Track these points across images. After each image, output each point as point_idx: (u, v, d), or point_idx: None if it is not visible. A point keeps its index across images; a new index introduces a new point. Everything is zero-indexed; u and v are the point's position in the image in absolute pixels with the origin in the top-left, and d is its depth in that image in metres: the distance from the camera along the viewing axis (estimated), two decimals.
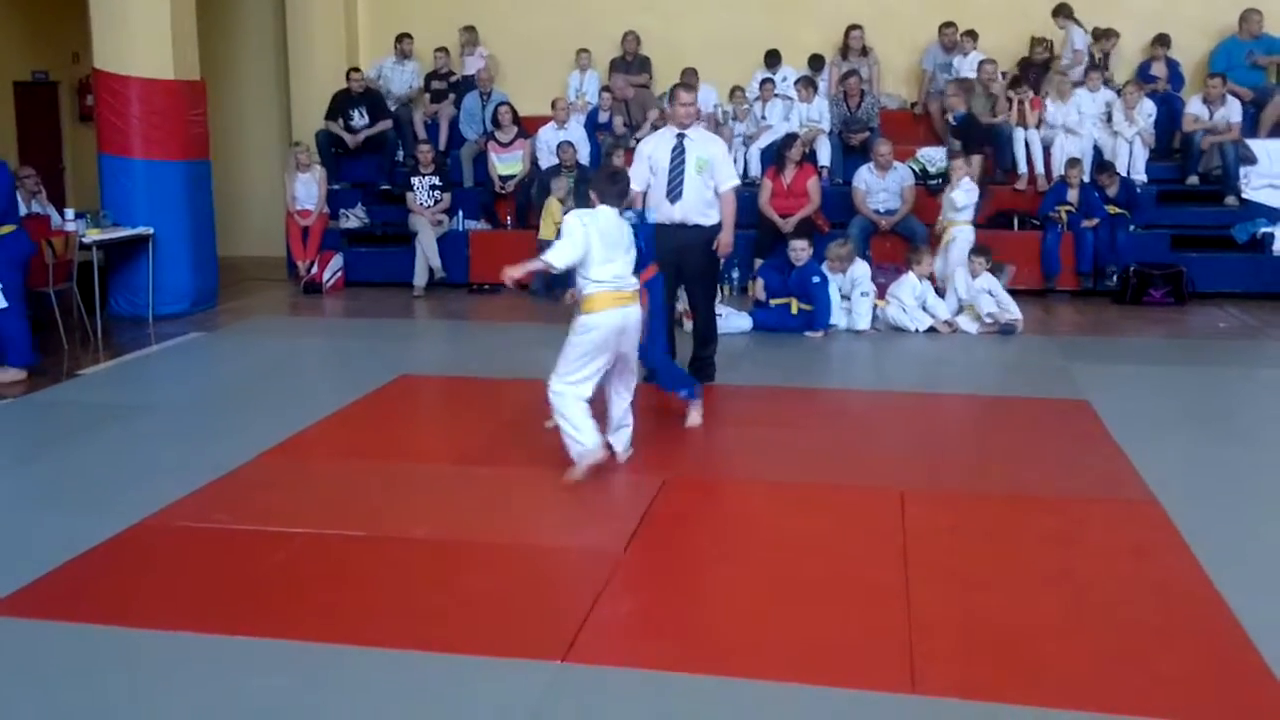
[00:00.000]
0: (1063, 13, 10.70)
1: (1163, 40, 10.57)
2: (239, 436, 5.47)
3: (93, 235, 8.28)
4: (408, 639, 3.37)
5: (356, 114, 11.15)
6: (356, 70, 11.33)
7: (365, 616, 3.54)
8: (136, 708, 3.04)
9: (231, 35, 12.33)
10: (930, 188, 9.90)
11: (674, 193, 6.20)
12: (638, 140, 10.40)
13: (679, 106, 6.21)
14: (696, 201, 6.22)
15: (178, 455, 5.26)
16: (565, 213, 9.27)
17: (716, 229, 6.28)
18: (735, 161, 10.65)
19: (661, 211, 6.24)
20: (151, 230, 8.79)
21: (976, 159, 9.76)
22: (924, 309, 8.16)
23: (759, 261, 9.02)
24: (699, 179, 6.20)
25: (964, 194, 8.85)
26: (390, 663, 3.23)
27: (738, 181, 6.47)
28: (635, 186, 6.03)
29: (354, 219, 10.86)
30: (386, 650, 3.30)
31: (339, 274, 10.51)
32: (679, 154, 6.21)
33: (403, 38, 11.71)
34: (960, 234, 8.75)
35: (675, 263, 6.10)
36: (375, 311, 9.33)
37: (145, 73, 8.78)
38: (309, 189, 10.51)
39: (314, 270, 10.32)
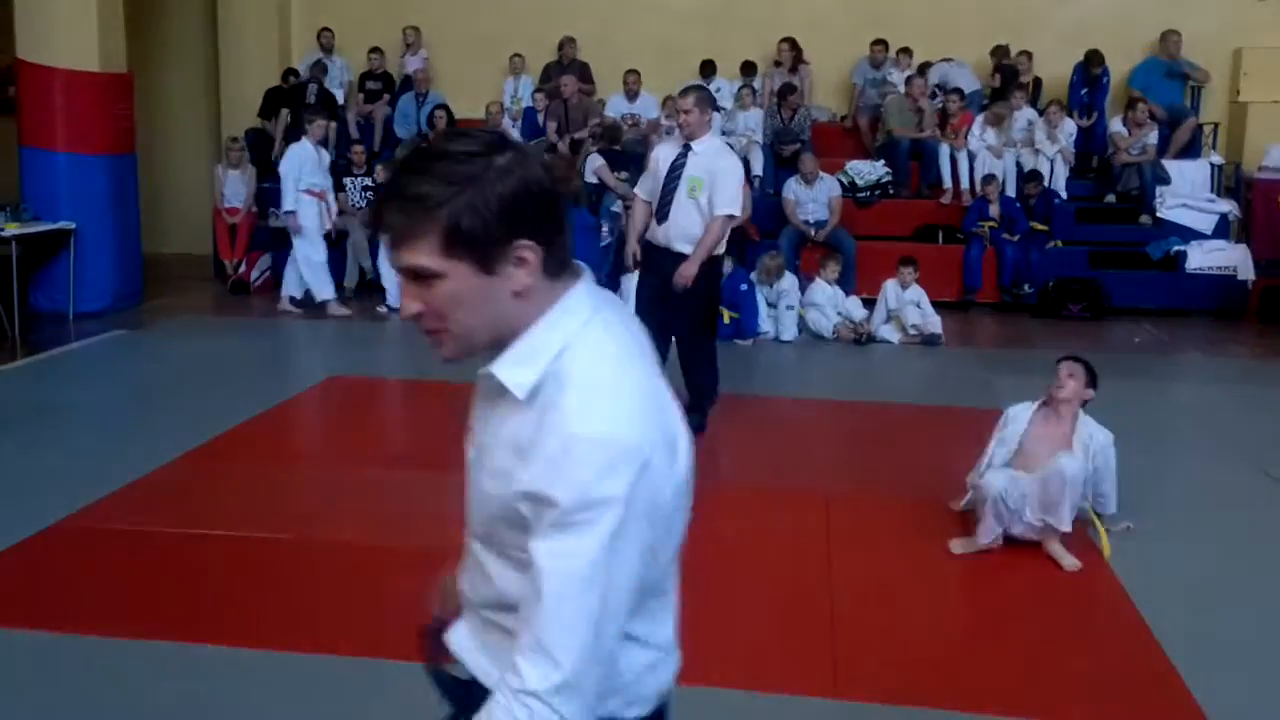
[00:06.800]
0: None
1: (1095, 58, 10.77)
2: (161, 437, 5.37)
3: (11, 229, 8.08)
4: (333, 644, 3.34)
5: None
6: (295, 73, 11.27)
7: (289, 621, 3.51)
8: (38, 716, 2.97)
9: (161, 27, 12.08)
10: (858, 200, 10.06)
11: (662, 212, 5.52)
12: (574, 141, 10.49)
13: (678, 113, 5.52)
14: (685, 226, 5.47)
15: (97, 456, 5.16)
16: None
17: (711, 261, 5.54)
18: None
19: (652, 230, 5.59)
20: (73, 225, 8.60)
21: None
22: (838, 312, 8.46)
23: None
24: (690, 202, 5.44)
25: None
26: (315, 667, 3.20)
27: (735, 210, 5.49)
28: (639, 194, 5.67)
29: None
30: (310, 655, 3.27)
31: (267, 273, 10.35)
32: (677, 169, 5.48)
33: (323, 32, 11.60)
34: None
35: (660, 290, 5.49)
36: (303, 312, 9.22)
37: (69, 64, 8.58)
38: (238, 186, 10.36)
39: (242, 269, 10.16)
